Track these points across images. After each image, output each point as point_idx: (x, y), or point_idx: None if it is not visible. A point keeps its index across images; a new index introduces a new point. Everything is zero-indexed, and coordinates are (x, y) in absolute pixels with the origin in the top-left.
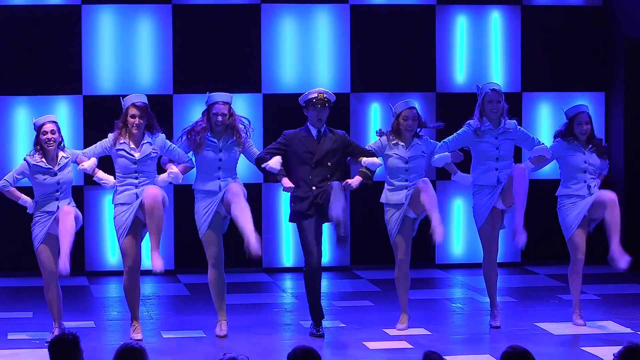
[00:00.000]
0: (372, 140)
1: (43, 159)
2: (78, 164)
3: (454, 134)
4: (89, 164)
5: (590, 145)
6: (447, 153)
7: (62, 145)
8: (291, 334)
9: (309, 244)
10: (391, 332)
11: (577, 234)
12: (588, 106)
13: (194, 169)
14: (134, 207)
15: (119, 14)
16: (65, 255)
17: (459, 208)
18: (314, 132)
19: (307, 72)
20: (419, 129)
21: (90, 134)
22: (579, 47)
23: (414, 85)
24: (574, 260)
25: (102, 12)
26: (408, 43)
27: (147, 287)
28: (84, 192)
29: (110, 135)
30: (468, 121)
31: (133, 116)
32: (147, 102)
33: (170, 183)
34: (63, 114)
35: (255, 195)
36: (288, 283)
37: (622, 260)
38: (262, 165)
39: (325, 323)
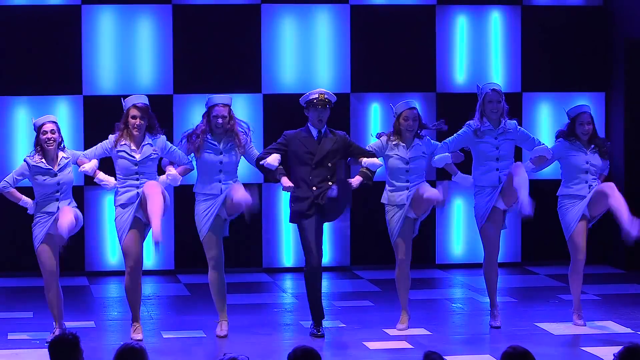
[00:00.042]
0: (372, 140)
1: (43, 160)
2: (79, 166)
3: (454, 134)
4: (90, 165)
5: (592, 146)
6: (447, 154)
7: (62, 145)
8: (291, 334)
9: (309, 244)
10: (391, 332)
11: (577, 233)
12: (590, 106)
13: (194, 172)
14: (134, 206)
15: (119, 14)
16: (63, 223)
17: (459, 208)
18: (314, 132)
19: (307, 72)
20: (419, 131)
21: (90, 134)
22: (579, 47)
23: (414, 85)
24: (575, 260)
25: (102, 12)
26: (408, 43)
27: (147, 287)
28: (84, 192)
29: (111, 137)
30: (468, 122)
31: (134, 117)
32: (148, 103)
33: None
34: (63, 114)
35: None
36: (288, 283)
37: (635, 228)
38: (260, 162)
39: (325, 323)
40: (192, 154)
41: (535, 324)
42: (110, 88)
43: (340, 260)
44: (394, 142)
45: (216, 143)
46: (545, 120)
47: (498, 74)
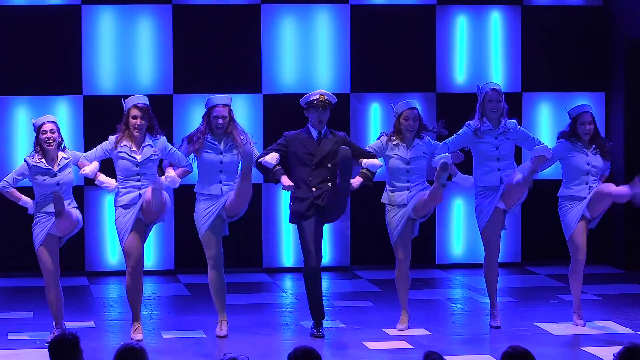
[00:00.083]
0: (373, 140)
1: (43, 160)
2: (79, 168)
3: (454, 134)
4: (91, 168)
5: (593, 147)
6: (447, 154)
7: (63, 146)
8: (291, 334)
9: (308, 245)
10: (391, 332)
11: (577, 233)
12: (591, 106)
13: (193, 174)
14: (136, 208)
15: (119, 14)
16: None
17: (459, 208)
18: (314, 133)
19: (307, 72)
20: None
21: (90, 134)
22: (579, 47)
23: (414, 85)
24: (575, 261)
25: (102, 12)
26: (408, 43)
27: (147, 287)
28: (84, 193)
29: (111, 138)
30: (468, 122)
31: (135, 117)
32: (148, 104)
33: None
34: (63, 114)
35: (256, 195)
36: (288, 283)
37: (637, 186)
38: (259, 160)
39: (325, 323)
40: (192, 156)
41: (535, 324)
42: (110, 88)
43: (340, 260)
44: (394, 142)
45: (216, 143)
46: (545, 120)
47: (498, 74)
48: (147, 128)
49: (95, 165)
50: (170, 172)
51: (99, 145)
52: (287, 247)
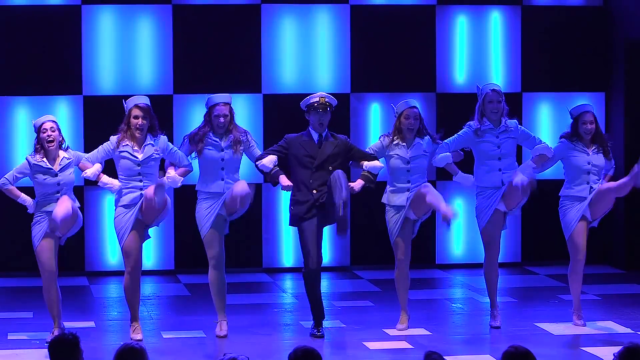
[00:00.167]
0: (373, 141)
1: (44, 159)
2: (81, 170)
3: (455, 135)
4: (92, 171)
5: (595, 146)
6: (448, 153)
7: (65, 146)
8: (291, 334)
9: (308, 248)
10: (391, 332)
11: (577, 233)
12: (593, 106)
13: (193, 173)
14: (136, 208)
15: (119, 14)
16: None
17: (460, 208)
18: (315, 136)
19: (307, 72)
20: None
21: (90, 135)
22: (579, 47)
23: (414, 85)
24: (574, 261)
25: (102, 12)
26: (408, 43)
27: (147, 287)
28: (84, 193)
29: (113, 138)
30: (468, 122)
31: (136, 117)
32: (149, 104)
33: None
34: (63, 114)
35: (256, 196)
36: (288, 283)
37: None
38: (256, 163)
39: (325, 323)
40: (193, 155)
41: (535, 324)
42: (110, 88)
43: (340, 260)
44: (394, 142)
45: (218, 140)
46: (545, 120)
47: (498, 74)
48: (148, 128)
49: (97, 167)
50: (171, 172)
51: (100, 146)
52: (287, 247)
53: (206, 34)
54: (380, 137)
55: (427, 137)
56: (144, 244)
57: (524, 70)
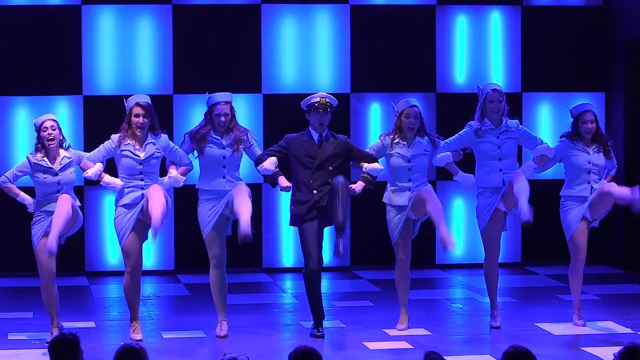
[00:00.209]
0: (373, 140)
1: (45, 158)
2: (83, 170)
3: (455, 135)
4: (93, 171)
5: (595, 145)
6: (448, 152)
7: (67, 145)
8: (291, 334)
9: (308, 248)
10: (391, 332)
11: (578, 234)
12: (593, 105)
13: (195, 171)
14: (137, 208)
15: (119, 14)
16: (53, 234)
17: (460, 208)
18: (315, 136)
19: (307, 72)
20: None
21: (90, 134)
22: (579, 47)
23: (414, 85)
24: (575, 261)
25: (102, 12)
26: (408, 43)
27: (147, 287)
28: (84, 192)
29: (114, 137)
30: (469, 122)
31: (137, 115)
32: (150, 103)
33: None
34: (63, 114)
35: (256, 196)
36: (288, 283)
37: (637, 193)
38: (257, 168)
39: (325, 323)
40: (194, 152)
41: (535, 324)
42: (110, 88)
43: (340, 261)
44: (395, 141)
45: (219, 138)
46: (545, 120)
47: (498, 74)
48: (149, 127)
49: (98, 166)
50: (173, 172)
51: (101, 145)
52: (287, 247)
53: (206, 34)
54: (380, 137)
55: (427, 137)
56: (144, 244)
57: (524, 70)
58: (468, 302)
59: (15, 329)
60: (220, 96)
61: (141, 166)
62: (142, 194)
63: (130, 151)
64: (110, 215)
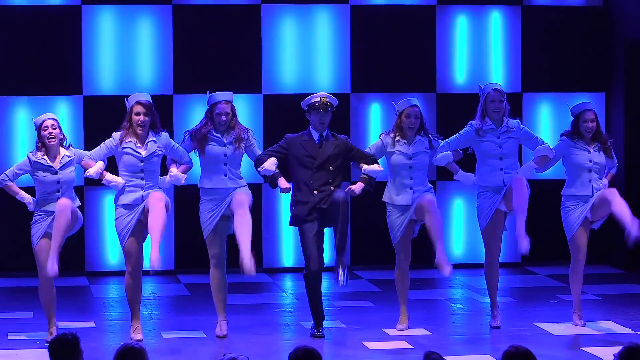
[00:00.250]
0: (373, 140)
1: (45, 157)
2: (84, 169)
3: (456, 134)
4: (94, 170)
5: (596, 144)
6: (448, 152)
7: (68, 144)
8: (291, 334)
9: (309, 249)
10: (391, 332)
11: (579, 235)
12: (593, 104)
13: (195, 170)
14: (138, 210)
15: (119, 14)
16: (53, 256)
17: (459, 208)
18: (315, 136)
19: (307, 72)
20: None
21: (90, 134)
22: (579, 47)
23: (414, 85)
24: (575, 261)
25: (102, 12)
26: (408, 43)
27: (147, 287)
28: (84, 192)
29: (116, 134)
30: (470, 122)
31: (138, 113)
32: (151, 101)
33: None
34: (63, 114)
35: (256, 196)
36: (288, 283)
37: (635, 227)
38: (258, 169)
39: (325, 323)
40: (194, 151)
41: (535, 324)
42: (110, 88)
43: None
44: (396, 139)
45: (220, 135)
46: (545, 120)
47: (498, 74)
48: (150, 125)
49: (99, 165)
50: (174, 170)
51: (102, 144)
52: (287, 248)
53: (206, 34)
54: (380, 136)
55: (427, 137)
56: (144, 244)
57: (524, 70)
58: (468, 302)
59: (15, 329)
60: (221, 95)
61: (142, 164)
62: (142, 195)
63: (131, 149)
64: (110, 215)
